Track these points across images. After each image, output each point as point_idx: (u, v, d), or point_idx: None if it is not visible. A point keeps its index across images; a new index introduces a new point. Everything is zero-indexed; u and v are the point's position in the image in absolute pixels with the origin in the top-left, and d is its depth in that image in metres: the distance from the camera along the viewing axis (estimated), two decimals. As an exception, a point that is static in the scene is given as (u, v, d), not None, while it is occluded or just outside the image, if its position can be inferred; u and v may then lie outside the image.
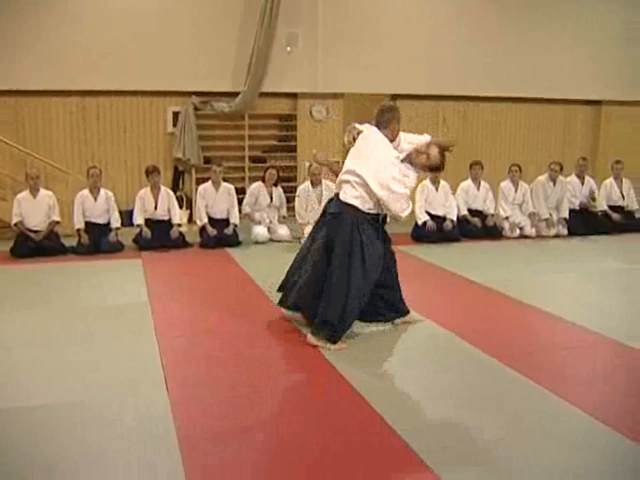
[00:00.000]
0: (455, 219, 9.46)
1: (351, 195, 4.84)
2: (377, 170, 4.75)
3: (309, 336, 4.88)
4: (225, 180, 9.41)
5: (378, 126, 4.99)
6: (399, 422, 3.55)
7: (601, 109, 13.23)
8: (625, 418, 3.64)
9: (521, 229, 9.77)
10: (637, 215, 10.50)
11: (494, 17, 12.13)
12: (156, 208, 8.91)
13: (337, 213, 4.91)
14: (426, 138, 5.18)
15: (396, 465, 3.17)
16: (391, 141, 4.98)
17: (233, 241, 8.98)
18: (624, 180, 10.53)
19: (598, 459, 3.21)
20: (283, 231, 9.38)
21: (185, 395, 3.94)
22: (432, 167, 5.11)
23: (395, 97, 12.10)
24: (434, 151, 4.98)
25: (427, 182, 9.46)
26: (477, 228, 9.62)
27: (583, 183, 10.32)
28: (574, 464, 3.16)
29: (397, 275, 5.38)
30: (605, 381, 4.27)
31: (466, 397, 3.96)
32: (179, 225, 9.09)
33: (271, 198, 9.45)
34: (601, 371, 4.46)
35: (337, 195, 4.97)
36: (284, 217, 9.62)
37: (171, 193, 9.23)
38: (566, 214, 9.91)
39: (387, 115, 5.01)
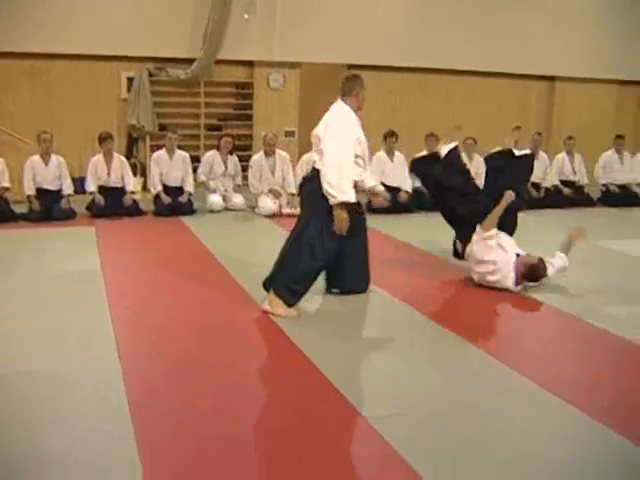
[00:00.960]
0: (410, 190, 9.52)
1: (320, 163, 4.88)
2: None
3: (265, 303, 4.91)
4: (180, 148, 9.32)
5: (343, 95, 5.02)
6: (351, 392, 3.62)
7: (555, 85, 13.38)
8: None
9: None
10: (587, 190, 10.71)
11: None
12: (109, 175, 8.79)
13: (310, 177, 4.99)
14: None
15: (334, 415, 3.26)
16: (357, 109, 5.02)
17: (187, 209, 8.92)
18: (576, 155, 10.72)
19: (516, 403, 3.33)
20: (238, 199, 9.35)
21: (135, 366, 3.92)
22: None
23: (352, 67, 12.07)
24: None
25: (381, 153, 9.50)
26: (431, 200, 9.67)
27: (537, 158, 10.46)
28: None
29: (365, 248, 5.36)
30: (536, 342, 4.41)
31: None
32: (133, 193, 9.00)
33: (226, 167, 9.40)
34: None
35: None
36: (239, 186, 9.59)
37: (125, 160, 9.13)
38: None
39: (350, 83, 5.04)
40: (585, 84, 13.32)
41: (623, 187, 10.82)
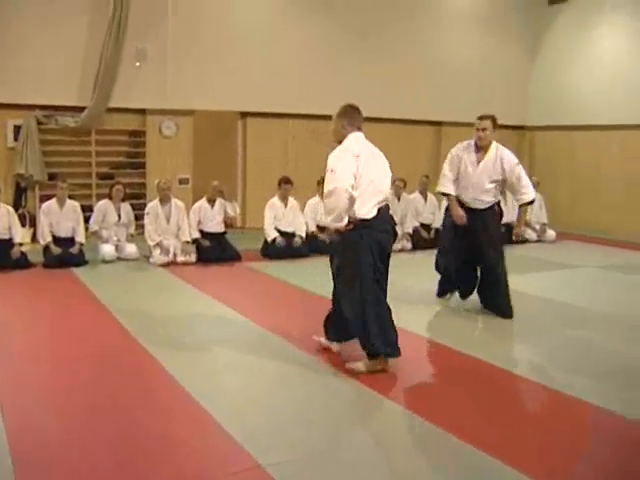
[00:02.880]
0: (304, 235, 9.66)
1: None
2: None
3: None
4: (71, 197, 9.14)
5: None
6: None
7: (441, 130, 13.98)
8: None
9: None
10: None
11: (344, 39, 12.57)
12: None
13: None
14: None
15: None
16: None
17: (79, 260, 8.70)
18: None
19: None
20: (131, 249, 9.21)
21: (21, 425, 3.82)
22: None
23: (244, 114, 12.24)
24: None
25: (276, 199, 9.62)
26: (326, 244, 9.83)
27: (426, 200, 10.85)
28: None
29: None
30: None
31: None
32: (21, 244, 8.70)
33: (119, 215, 9.27)
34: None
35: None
36: (132, 235, 9.45)
37: (12, 210, 8.85)
38: (410, 229, 10.40)
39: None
40: (469, 128, 13.93)
41: (506, 225, 11.25)
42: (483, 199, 6.41)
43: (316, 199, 10.05)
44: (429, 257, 9.60)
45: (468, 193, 6.46)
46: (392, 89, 12.88)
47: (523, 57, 14.89)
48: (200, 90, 11.44)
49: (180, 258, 8.93)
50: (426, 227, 10.72)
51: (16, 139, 10.41)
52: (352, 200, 4.56)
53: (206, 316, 6.37)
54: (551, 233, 11.69)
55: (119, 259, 9.07)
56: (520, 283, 7.41)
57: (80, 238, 8.87)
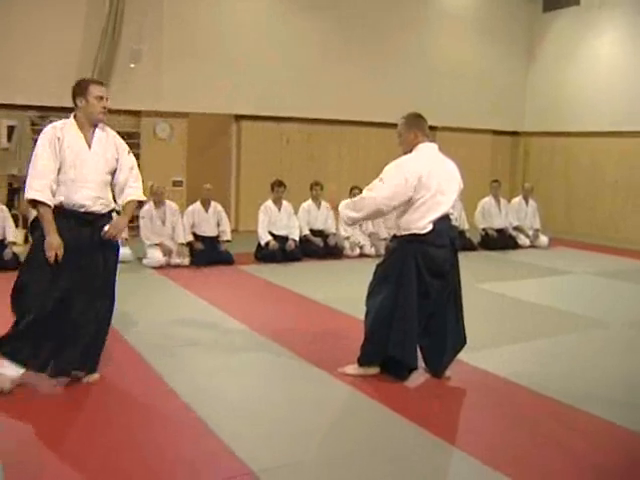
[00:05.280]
0: (297, 239, 9.66)
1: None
2: None
3: None
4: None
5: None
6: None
7: (435, 134, 13.99)
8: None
9: (361, 248, 10.14)
10: (468, 235, 11.15)
11: (341, 43, 12.61)
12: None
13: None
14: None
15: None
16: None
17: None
18: (457, 202, 11.14)
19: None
20: (125, 251, 9.17)
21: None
22: None
23: (239, 117, 12.25)
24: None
25: (269, 203, 9.62)
26: (319, 247, 9.87)
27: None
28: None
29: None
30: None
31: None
32: (14, 243, 8.67)
33: (112, 217, 9.24)
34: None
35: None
36: (126, 239, 9.39)
37: (5, 209, 8.81)
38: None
39: None
40: (462, 133, 14.03)
41: (500, 231, 11.38)
42: None
43: (309, 202, 10.06)
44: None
45: None
46: (388, 93, 12.90)
47: (519, 64, 14.96)
48: (195, 92, 11.45)
49: (174, 260, 8.92)
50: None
51: (9, 140, 10.39)
52: (380, 214, 4.58)
53: (198, 319, 6.35)
54: (544, 239, 11.72)
55: (112, 261, 9.04)
56: (511, 289, 7.45)
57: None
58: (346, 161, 13.16)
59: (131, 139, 11.42)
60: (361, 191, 10.09)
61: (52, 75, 10.36)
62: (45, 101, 10.45)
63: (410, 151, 4.73)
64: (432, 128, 13.68)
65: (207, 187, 9.37)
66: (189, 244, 9.16)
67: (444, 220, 4.65)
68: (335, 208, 5.02)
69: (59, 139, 4.27)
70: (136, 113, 11.39)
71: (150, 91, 11.16)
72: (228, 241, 9.32)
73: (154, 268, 8.72)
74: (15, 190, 10.54)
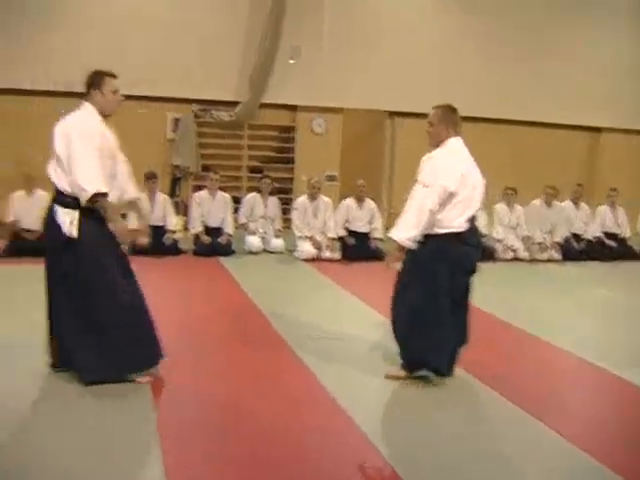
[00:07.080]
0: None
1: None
2: None
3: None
4: (221, 189, 9.40)
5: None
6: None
7: (599, 137, 13.32)
8: (607, 447, 3.66)
9: (514, 252, 9.81)
10: (629, 243, 10.54)
11: (497, 39, 12.25)
12: (151, 213, 8.89)
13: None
14: None
15: None
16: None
17: (226, 250, 8.98)
18: (618, 208, 10.57)
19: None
20: (277, 242, 9.38)
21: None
22: None
23: (393, 114, 12.18)
24: None
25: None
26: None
27: (578, 209, 10.40)
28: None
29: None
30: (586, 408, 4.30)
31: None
32: (174, 232, 9.05)
33: (266, 208, 9.47)
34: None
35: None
36: (280, 230, 9.57)
37: (168, 199, 9.23)
38: (559, 238, 9.96)
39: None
40: (628, 136, 13.24)
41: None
42: None
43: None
44: (582, 270, 9.33)
45: None
46: (547, 90, 12.41)
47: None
48: (350, 88, 11.49)
49: (325, 254, 9.01)
50: (577, 237, 10.26)
51: (174, 131, 10.89)
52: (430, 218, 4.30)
53: (344, 311, 6.39)
54: None
55: (265, 251, 9.28)
56: None
57: (229, 229, 9.12)
58: (496, 159, 12.74)
59: (287, 133, 11.70)
60: (515, 191, 9.87)
61: (216, 71, 10.75)
62: (207, 95, 10.86)
63: (438, 145, 4.56)
64: (595, 129, 13.18)
65: (361, 183, 9.36)
66: (340, 238, 9.21)
67: (473, 219, 4.47)
68: None
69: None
70: (292, 108, 11.60)
71: (307, 86, 11.32)
72: (380, 239, 9.25)
73: (305, 260, 8.85)
74: (177, 179, 11.04)
